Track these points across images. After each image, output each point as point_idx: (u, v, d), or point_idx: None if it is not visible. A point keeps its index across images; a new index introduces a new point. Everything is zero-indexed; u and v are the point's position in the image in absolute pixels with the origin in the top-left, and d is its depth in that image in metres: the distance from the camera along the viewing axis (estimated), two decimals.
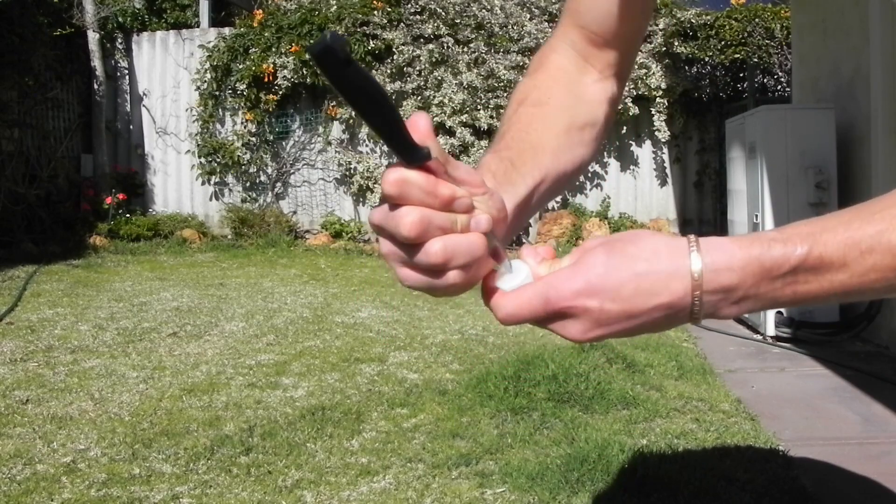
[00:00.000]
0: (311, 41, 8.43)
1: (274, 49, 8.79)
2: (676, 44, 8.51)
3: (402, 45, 8.54)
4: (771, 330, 4.50)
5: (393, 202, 0.53)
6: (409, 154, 0.52)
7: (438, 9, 8.60)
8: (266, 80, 8.78)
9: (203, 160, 9.22)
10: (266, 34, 8.90)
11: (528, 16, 8.79)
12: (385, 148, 8.98)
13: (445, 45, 8.48)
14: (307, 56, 8.57)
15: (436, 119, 8.37)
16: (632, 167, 9.04)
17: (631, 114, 8.34)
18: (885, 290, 0.56)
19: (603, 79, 0.84)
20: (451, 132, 8.33)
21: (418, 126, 0.52)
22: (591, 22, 0.82)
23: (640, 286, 0.56)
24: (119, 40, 9.54)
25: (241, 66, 8.88)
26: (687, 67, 8.75)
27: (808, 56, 5.45)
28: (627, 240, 0.58)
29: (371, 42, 8.62)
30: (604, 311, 0.57)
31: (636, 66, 8.33)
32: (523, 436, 2.79)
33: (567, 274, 0.58)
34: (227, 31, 9.35)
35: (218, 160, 9.17)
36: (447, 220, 0.54)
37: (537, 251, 0.62)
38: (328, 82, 0.46)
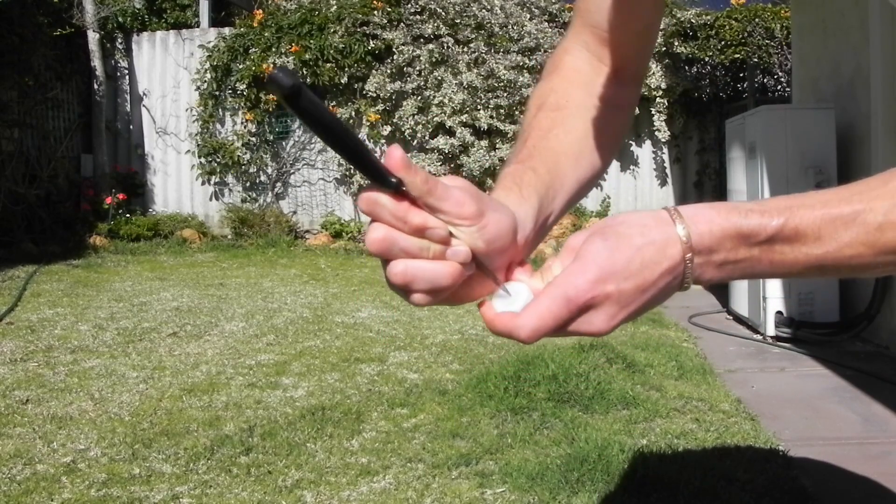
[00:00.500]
0: (312, 41, 8.42)
1: (274, 49, 8.79)
2: (676, 44, 8.50)
3: (402, 45, 8.54)
4: (771, 330, 4.50)
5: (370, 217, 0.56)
6: (378, 181, 0.54)
7: (438, 9, 8.59)
8: (266, 80, 8.76)
9: (203, 160, 9.22)
10: (266, 34, 8.90)
11: (528, 16, 8.79)
12: (385, 148, 8.99)
13: (445, 45, 8.48)
14: (302, 57, 8.57)
15: (436, 119, 8.37)
16: (632, 167, 9.04)
17: None
18: (860, 269, 0.58)
19: (618, 79, 0.84)
20: (451, 132, 8.32)
21: (393, 158, 0.54)
22: (601, 21, 0.81)
23: (644, 258, 0.58)
24: (119, 40, 9.54)
25: (241, 66, 8.88)
26: (687, 67, 8.75)
27: (808, 56, 5.45)
28: (613, 223, 0.60)
29: (371, 42, 8.62)
30: (622, 291, 0.58)
31: None
32: (523, 436, 2.79)
33: (576, 269, 0.58)
34: (227, 31, 9.35)
35: (218, 160, 9.17)
36: (415, 245, 0.56)
37: (516, 269, 0.63)
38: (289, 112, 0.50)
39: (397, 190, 0.54)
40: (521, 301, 0.60)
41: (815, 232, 0.57)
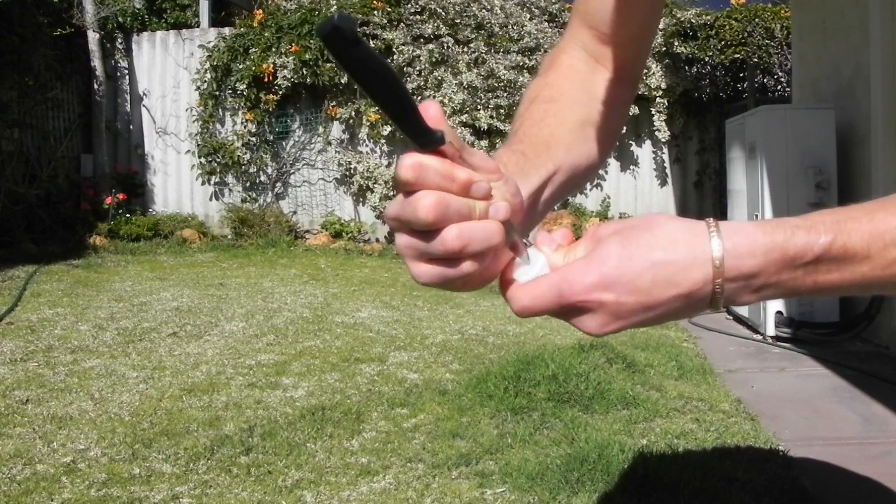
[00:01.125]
0: (312, 41, 8.40)
1: (274, 49, 8.79)
2: (676, 44, 8.50)
3: (402, 45, 8.54)
4: (771, 330, 4.50)
5: (409, 188, 0.52)
6: (422, 137, 0.51)
7: (438, 9, 8.59)
8: (266, 79, 8.78)
9: (203, 160, 9.22)
10: (266, 34, 8.90)
11: (528, 16, 8.79)
12: (385, 148, 8.99)
13: (445, 45, 8.48)
14: (302, 57, 8.57)
15: None
16: (632, 167, 9.04)
17: (631, 114, 8.33)
18: None
19: (614, 79, 0.83)
20: None
21: (429, 112, 0.51)
22: (599, 22, 0.81)
23: (658, 276, 0.54)
24: (119, 40, 9.54)
25: (241, 66, 8.88)
26: (687, 67, 8.74)
27: (808, 56, 5.45)
28: (643, 226, 0.56)
29: (371, 42, 8.61)
30: (620, 303, 0.55)
31: None
32: (523, 436, 2.79)
33: (581, 267, 0.56)
34: (227, 31, 9.35)
35: (218, 160, 9.17)
36: (465, 206, 0.53)
37: (553, 237, 0.60)
38: (336, 62, 0.46)
39: (438, 147, 0.52)
40: (534, 272, 0.58)
41: (864, 250, 0.53)
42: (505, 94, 8.41)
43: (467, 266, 0.55)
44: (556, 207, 8.74)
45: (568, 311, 0.57)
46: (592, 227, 0.59)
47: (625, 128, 8.67)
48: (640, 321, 0.57)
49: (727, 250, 0.54)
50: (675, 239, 0.55)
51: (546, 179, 0.71)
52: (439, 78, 8.45)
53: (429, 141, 0.51)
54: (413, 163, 0.51)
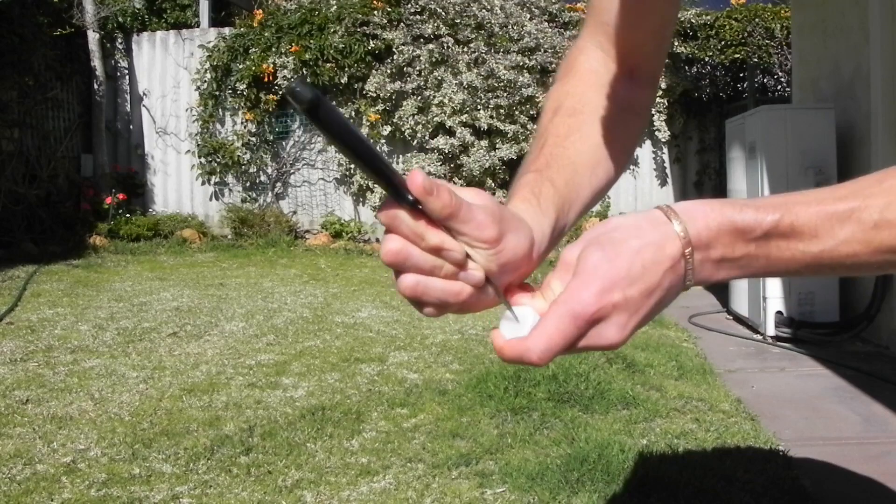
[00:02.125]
0: (311, 41, 8.40)
1: (274, 49, 8.79)
2: (676, 44, 8.50)
3: (402, 45, 8.54)
4: (771, 330, 4.50)
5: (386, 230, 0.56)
6: (396, 197, 0.54)
7: (438, 9, 8.59)
8: (266, 80, 8.77)
9: (203, 160, 9.22)
10: (266, 34, 8.90)
11: (528, 16, 8.78)
12: (385, 148, 8.98)
13: (445, 45, 8.48)
14: (302, 57, 8.57)
15: (436, 119, 8.37)
16: (632, 167, 9.03)
17: None
18: (857, 267, 0.57)
19: (633, 81, 0.83)
20: (451, 132, 8.32)
21: (413, 183, 0.54)
22: (615, 20, 0.80)
23: (645, 261, 0.57)
24: (119, 40, 9.54)
25: (241, 66, 8.88)
26: (687, 67, 8.75)
27: (808, 56, 5.45)
28: (606, 230, 0.59)
29: (371, 42, 8.61)
30: (628, 298, 0.57)
31: None
32: (523, 436, 2.79)
33: (578, 284, 0.57)
34: (227, 31, 9.35)
35: (218, 160, 9.17)
36: (428, 262, 0.56)
37: (517, 291, 0.62)
38: (318, 127, 0.49)
39: (415, 208, 0.54)
40: (528, 324, 0.59)
41: (811, 229, 0.56)
42: (505, 94, 8.41)
43: (426, 311, 0.59)
44: None
45: (586, 330, 0.57)
46: (558, 260, 0.61)
47: None
48: (648, 310, 0.58)
49: (686, 225, 0.58)
50: (640, 227, 0.58)
51: (570, 211, 0.73)
52: (439, 78, 8.45)
53: (403, 202, 0.54)
54: (389, 214, 0.55)
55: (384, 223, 0.55)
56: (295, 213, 9.25)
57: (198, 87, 9.21)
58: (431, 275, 0.57)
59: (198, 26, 10.03)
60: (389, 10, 8.68)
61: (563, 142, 0.77)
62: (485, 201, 0.59)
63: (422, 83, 8.53)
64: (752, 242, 0.57)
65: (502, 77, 8.35)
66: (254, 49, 8.87)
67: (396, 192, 0.54)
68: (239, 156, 9.02)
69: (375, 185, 8.65)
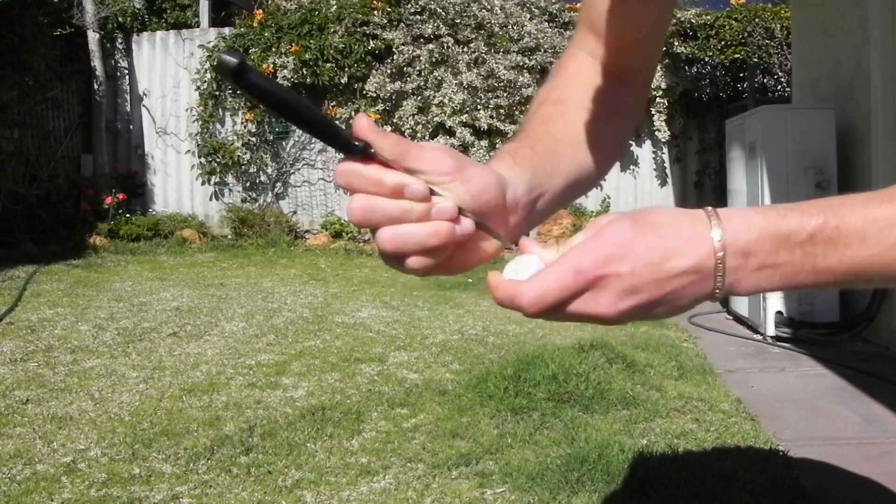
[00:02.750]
0: (311, 41, 8.39)
1: (274, 49, 8.79)
2: (676, 44, 8.50)
3: (402, 45, 8.54)
4: (771, 330, 4.50)
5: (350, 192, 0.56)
6: (345, 149, 0.55)
7: (438, 9, 8.59)
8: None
9: (203, 160, 9.22)
10: (266, 34, 8.90)
11: (528, 16, 8.78)
12: None
13: (445, 45, 8.48)
14: (302, 57, 8.57)
15: (436, 119, 8.37)
16: (632, 167, 9.04)
17: None
18: None
19: (623, 85, 0.83)
20: (451, 132, 8.32)
21: (358, 125, 0.54)
22: (604, 28, 0.81)
23: (669, 248, 0.55)
24: (119, 40, 9.54)
25: None
26: (687, 67, 8.75)
27: (808, 56, 5.45)
28: (645, 212, 0.58)
29: (371, 42, 8.61)
30: (636, 275, 0.55)
31: None
32: (523, 436, 2.79)
33: (593, 243, 0.56)
34: (227, 31, 9.35)
35: (218, 160, 9.17)
36: (396, 208, 0.56)
37: (531, 244, 0.60)
38: (246, 93, 0.50)
39: (367, 155, 0.55)
40: (530, 270, 0.57)
41: (858, 232, 0.53)
42: (505, 94, 8.41)
43: (412, 262, 0.57)
44: None
45: (582, 289, 0.56)
46: (595, 220, 0.60)
47: None
48: (652, 299, 0.56)
49: (725, 228, 0.55)
50: (677, 217, 0.57)
51: (550, 174, 0.71)
52: (439, 78, 8.45)
53: (351, 151, 0.55)
54: (343, 170, 0.55)
55: (342, 183, 0.56)
56: (295, 213, 9.25)
57: (198, 87, 9.21)
58: (404, 221, 0.56)
59: (198, 26, 10.03)
60: (389, 10, 8.68)
61: (547, 122, 0.76)
62: (436, 145, 0.58)
63: (422, 83, 8.53)
64: (796, 248, 0.55)
65: (502, 77, 8.36)
66: (254, 49, 8.87)
67: (345, 146, 0.55)
68: (239, 156, 9.02)
69: None
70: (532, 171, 0.68)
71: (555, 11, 8.89)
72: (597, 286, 0.55)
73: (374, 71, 8.66)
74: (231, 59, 0.47)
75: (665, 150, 8.96)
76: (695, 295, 0.57)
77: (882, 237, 0.53)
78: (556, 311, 0.56)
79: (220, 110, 9.21)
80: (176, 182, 9.51)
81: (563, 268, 0.55)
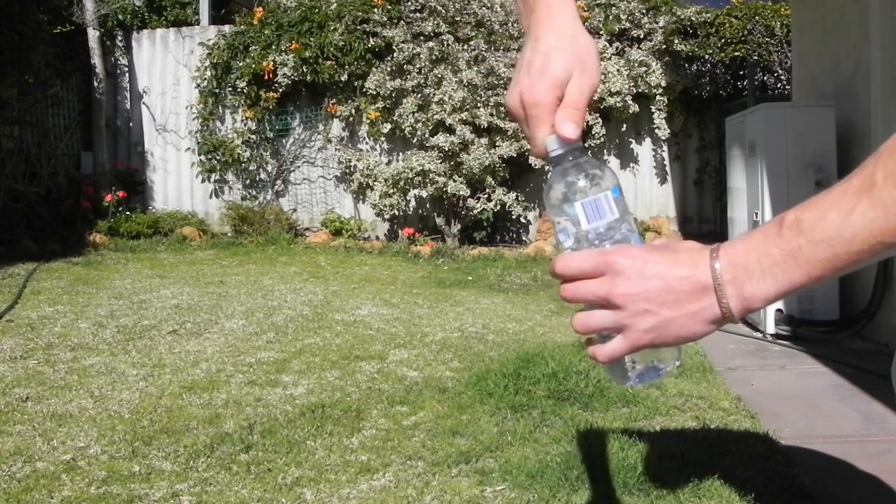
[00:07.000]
0: (311, 39, 8.39)
1: (274, 46, 8.78)
2: (676, 41, 8.50)
3: (402, 42, 8.53)
4: (771, 328, 4.50)
5: None
6: None
7: (438, 6, 8.58)
8: (266, 77, 8.77)
9: (203, 158, 9.22)
10: (266, 32, 8.89)
11: None
12: (385, 146, 8.99)
13: (445, 42, 8.47)
14: (302, 54, 8.57)
15: (436, 117, 8.36)
16: (632, 165, 9.03)
17: (631, 111, 8.34)
18: (882, 235, 0.59)
19: None
20: (451, 130, 8.32)
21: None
22: None
23: (675, 260, 0.67)
24: (119, 38, 9.54)
25: (241, 64, 8.88)
26: (687, 65, 8.74)
27: (808, 54, 5.45)
28: (669, 242, 0.71)
29: (371, 40, 8.61)
30: (645, 271, 0.67)
31: (636, 64, 8.32)
32: (523, 433, 2.79)
33: (637, 248, 0.70)
34: (227, 28, 9.34)
35: (218, 158, 9.17)
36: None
37: None
38: None
39: None
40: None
41: (820, 210, 0.61)
42: (505, 92, 8.38)
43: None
44: None
45: (602, 272, 0.68)
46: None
47: (624, 125, 8.73)
48: (655, 288, 0.66)
49: (721, 248, 0.66)
50: (688, 245, 0.69)
51: None
52: (439, 75, 8.44)
53: None
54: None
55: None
56: (295, 210, 9.25)
57: (198, 85, 9.21)
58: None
59: (198, 24, 10.03)
60: (389, 7, 8.68)
61: None
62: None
63: (422, 81, 8.52)
64: (773, 246, 0.63)
65: (502, 75, 8.35)
66: (254, 47, 8.86)
67: None
68: (239, 153, 9.02)
69: (375, 183, 8.68)
70: None
71: None
72: (615, 273, 0.67)
73: (374, 69, 8.65)
74: None
75: (665, 147, 8.96)
76: (703, 310, 0.66)
77: (840, 206, 0.60)
78: (578, 296, 0.69)
79: (219, 108, 9.20)
80: (176, 179, 9.51)
81: (597, 252, 0.69)
